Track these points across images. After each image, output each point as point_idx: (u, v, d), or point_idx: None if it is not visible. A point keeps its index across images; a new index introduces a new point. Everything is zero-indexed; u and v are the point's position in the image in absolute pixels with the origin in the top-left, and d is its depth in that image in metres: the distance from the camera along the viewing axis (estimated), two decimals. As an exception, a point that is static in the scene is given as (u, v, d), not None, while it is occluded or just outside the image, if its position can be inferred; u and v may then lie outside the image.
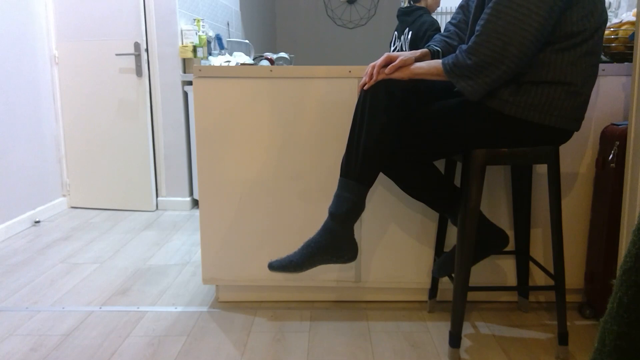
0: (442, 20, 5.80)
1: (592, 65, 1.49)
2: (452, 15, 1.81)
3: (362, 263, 2.05)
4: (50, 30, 3.52)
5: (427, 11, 3.38)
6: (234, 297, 2.13)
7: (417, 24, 3.35)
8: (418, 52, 1.68)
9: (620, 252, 1.75)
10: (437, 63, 1.53)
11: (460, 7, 1.76)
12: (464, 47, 1.47)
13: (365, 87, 1.57)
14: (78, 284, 2.32)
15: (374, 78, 1.56)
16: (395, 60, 1.56)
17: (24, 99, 3.25)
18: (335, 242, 1.57)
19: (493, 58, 1.41)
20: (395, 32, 3.57)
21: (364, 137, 1.54)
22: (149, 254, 2.71)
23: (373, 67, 1.57)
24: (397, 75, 1.55)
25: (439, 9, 5.81)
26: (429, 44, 1.76)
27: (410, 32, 3.34)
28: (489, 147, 1.57)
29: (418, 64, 1.56)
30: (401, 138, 1.57)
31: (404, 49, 3.42)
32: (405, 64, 1.56)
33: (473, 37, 1.45)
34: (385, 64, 1.57)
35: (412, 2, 3.41)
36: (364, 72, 1.61)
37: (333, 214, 1.57)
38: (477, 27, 1.44)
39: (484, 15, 1.43)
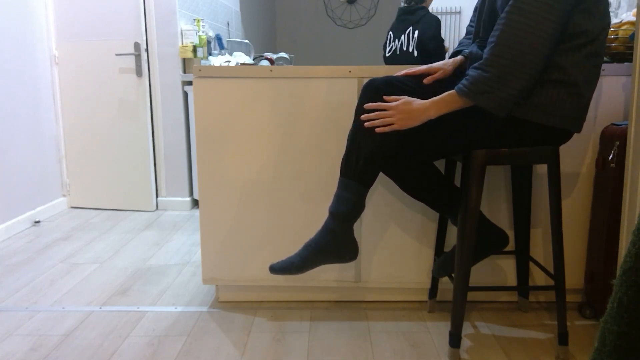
0: (443, 20, 5.79)
1: (595, 67, 1.50)
2: (470, 18, 1.83)
3: (362, 263, 2.05)
4: (50, 30, 3.52)
5: (428, 10, 3.40)
6: (234, 297, 2.13)
7: (423, 23, 3.34)
8: (453, 62, 1.69)
9: (620, 252, 1.75)
10: (447, 96, 1.48)
11: (475, 9, 1.77)
12: (476, 64, 1.45)
13: (377, 130, 1.52)
14: (78, 284, 2.32)
15: (383, 125, 1.52)
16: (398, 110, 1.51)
17: (24, 99, 3.25)
18: (335, 242, 1.57)
19: (511, 68, 1.40)
20: (390, 33, 3.56)
21: (364, 138, 1.54)
22: (149, 254, 2.71)
23: (383, 109, 1.51)
24: (409, 125, 1.50)
25: (439, 9, 5.82)
26: (460, 49, 1.76)
27: (417, 31, 3.34)
28: (489, 147, 1.57)
29: (428, 107, 1.49)
30: (402, 138, 1.57)
31: (405, 49, 3.42)
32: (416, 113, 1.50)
33: (488, 49, 1.43)
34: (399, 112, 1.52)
35: (414, 2, 3.41)
36: (375, 111, 1.53)
37: (333, 213, 1.57)
38: (491, 39, 1.43)
39: (497, 26, 1.42)
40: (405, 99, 1.52)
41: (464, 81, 1.47)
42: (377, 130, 1.52)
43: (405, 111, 1.50)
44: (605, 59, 2.01)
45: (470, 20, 1.81)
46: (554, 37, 1.40)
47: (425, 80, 1.65)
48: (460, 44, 1.81)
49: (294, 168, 1.99)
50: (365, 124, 1.53)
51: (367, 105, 1.53)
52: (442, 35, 3.46)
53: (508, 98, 1.43)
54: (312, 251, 1.57)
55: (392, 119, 1.50)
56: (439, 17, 5.70)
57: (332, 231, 1.57)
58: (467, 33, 1.81)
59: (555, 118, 1.50)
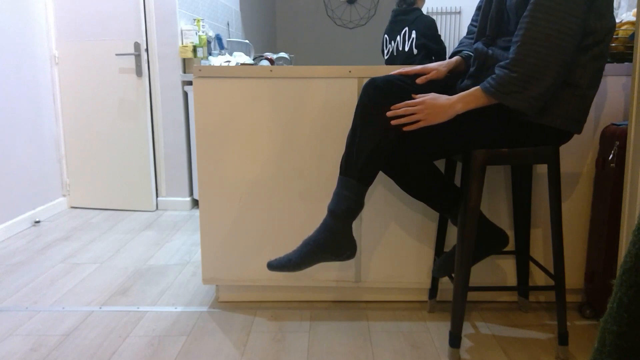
0: (439, 20, 5.80)
1: (599, 70, 1.50)
2: (472, 17, 1.81)
3: (362, 263, 2.05)
4: (50, 30, 3.52)
5: (422, 11, 3.49)
6: (234, 297, 2.13)
7: (419, 23, 3.38)
8: (448, 64, 1.69)
9: (620, 252, 1.75)
10: (474, 92, 1.48)
11: (478, 8, 1.76)
12: (502, 63, 1.44)
13: (404, 128, 1.52)
14: (78, 284, 2.32)
15: (411, 120, 1.51)
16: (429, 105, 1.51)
17: (24, 99, 3.25)
18: (334, 240, 1.57)
19: (539, 66, 1.39)
20: (386, 36, 3.58)
21: (364, 137, 1.54)
22: (149, 254, 2.71)
23: (410, 106, 1.51)
24: (437, 120, 1.49)
25: (439, 9, 5.83)
26: (460, 49, 1.76)
27: (414, 31, 3.38)
28: (490, 147, 1.57)
29: (455, 102, 1.49)
30: (402, 138, 1.57)
31: (401, 49, 3.44)
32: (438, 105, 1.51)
33: (513, 49, 1.42)
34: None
35: (405, 4, 3.46)
36: (401, 109, 1.52)
37: (332, 212, 1.57)
38: (515, 38, 1.42)
39: (521, 25, 1.41)
40: (432, 95, 1.52)
41: (490, 80, 1.45)
42: (405, 128, 1.51)
43: (433, 106, 1.50)
44: (605, 59, 2.01)
45: (472, 20, 1.80)
46: (578, 33, 1.39)
47: (418, 80, 1.64)
48: (460, 43, 1.80)
49: (294, 168, 1.99)
50: (392, 122, 1.52)
51: (395, 107, 1.52)
52: (441, 35, 3.52)
53: (537, 97, 1.42)
54: (310, 248, 1.57)
55: (420, 115, 1.50)
56: (439, 17, 5.71)
57: (330, 229, 1.57)
58: (469, 32, 1.80)
59: (558, 119, 1.49)
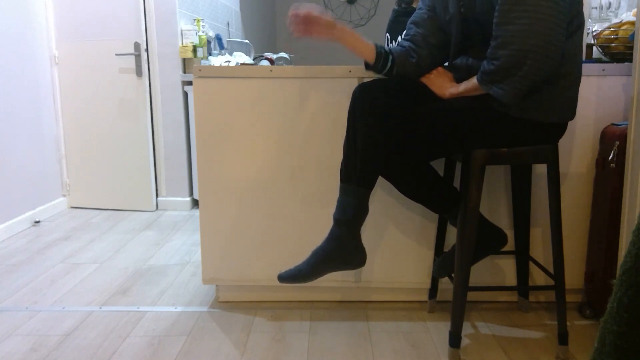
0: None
1: (581, 55, 1.52)
2: (404, 33, 1.73)
3: (362, 263, 2.05)
4: (50, 30, 3.52)
5: None
6: (234, 297, 2.13)
7: None
8: (355, 36, 1.64)
9: (620, 252, 1.75)
10: (473, 79, 1.53)
11: (413, 22, 1.71)
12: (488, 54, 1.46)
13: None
14: (78, 284, 2.32)
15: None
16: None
17: (24, 99, 3.25)
18: (342, 248, 1.57)
19: (514, 57, 1.37)
20: (387, 35, 3.56)
21: (360, 141, 1.54)
22: (149, 254, 2.71)
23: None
24: (436, 84, 1.64)
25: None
26: (389, 46, 1.71)
27: None
28: (488, 147, 1.57)
29: (461, 86, 1.57)
30: (399, 139, 1.57)
31: None
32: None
33: (492, 42, 1.43)
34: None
35: (404, 4, 3.43)
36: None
37: (337, 220, 1.57)
38: (494, 32, 1.42)
39: (495, 19, 1.41)
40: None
41: (480, 70, 1.48)
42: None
43: (442, 75, 1.66)
44: (605, 59, 2.01)
45: (405, 35, 1.71)
46: (557, 15, 1.35)
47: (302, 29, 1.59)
48: (398, 44, 1.72)
49: (293, 168, 1.99)
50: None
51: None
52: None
53: (515, 85, 1.41)
54: (319, 258, 1.57)
55: (430, 76, 1.67)
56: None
57: (337, 237, 1.57)
58: (401, 46, 1.69)
59: (555, 115, 1.50)
